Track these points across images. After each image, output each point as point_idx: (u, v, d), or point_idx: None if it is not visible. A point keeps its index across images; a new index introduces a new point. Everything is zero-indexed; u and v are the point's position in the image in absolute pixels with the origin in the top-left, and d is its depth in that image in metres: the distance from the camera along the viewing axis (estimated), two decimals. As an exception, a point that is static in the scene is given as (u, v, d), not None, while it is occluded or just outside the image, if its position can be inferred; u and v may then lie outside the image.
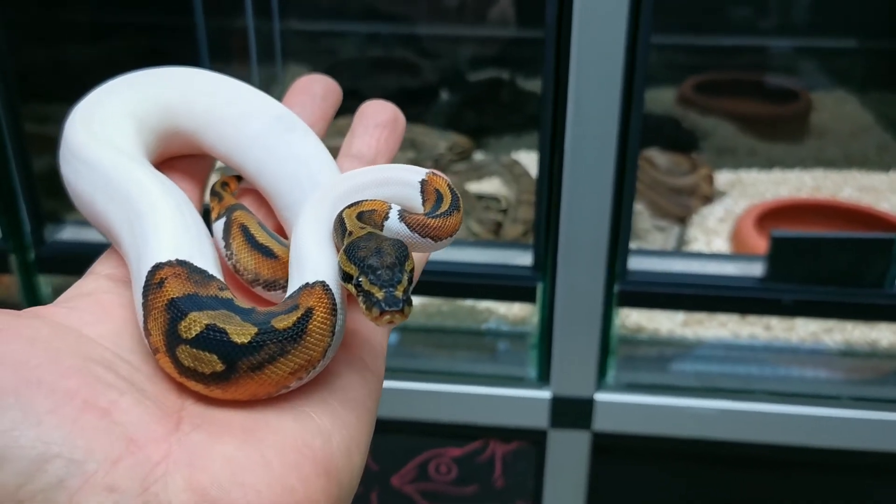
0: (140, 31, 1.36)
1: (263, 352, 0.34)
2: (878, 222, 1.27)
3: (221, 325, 0.34)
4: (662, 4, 0.88)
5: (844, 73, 1.58)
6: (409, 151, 1.43)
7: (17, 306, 1.08)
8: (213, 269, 0.39)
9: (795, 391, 1.06)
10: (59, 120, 0.47)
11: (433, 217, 0.40)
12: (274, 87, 1.46)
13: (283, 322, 0.35)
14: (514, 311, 1.14)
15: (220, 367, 0.34)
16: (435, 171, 0.43)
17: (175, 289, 0.36)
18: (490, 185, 1.42)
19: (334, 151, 0.49)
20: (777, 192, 1.42)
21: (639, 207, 1.31)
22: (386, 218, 0.40)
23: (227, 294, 0.37)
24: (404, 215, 0.40)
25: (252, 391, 0.35)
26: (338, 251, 0.39)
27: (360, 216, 0.39)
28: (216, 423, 0.34)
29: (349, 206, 0.40)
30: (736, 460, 1.09)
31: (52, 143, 0.47)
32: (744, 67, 1.60)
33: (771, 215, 1.28)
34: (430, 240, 0.40)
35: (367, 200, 0.41)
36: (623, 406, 1.04)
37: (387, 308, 0.34)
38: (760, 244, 1.17)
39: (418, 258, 0.47)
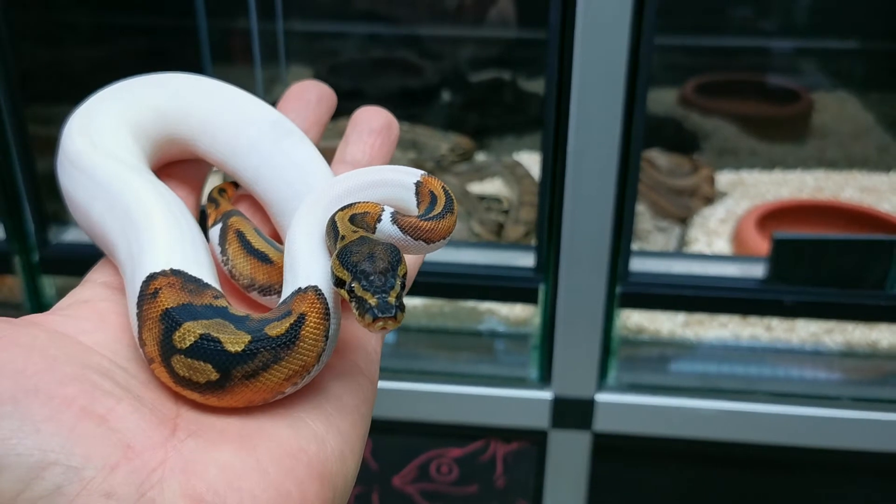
0: (143, 33, 1.36)
1: (257, 359, 0.34)
2: (879, 223, 1.27)
3: (215, 335, 0.35)
4: (663, 5, 0.88)
5: (845, 73, 1.58)
6: (410, 152, 1.43)
7: (20, 307, 1.09)
8: (209, 276, 0.39)
9: (796, 392, 1.06)
10: (62, 122, 0.48)
11: (426, 219, 0.40)
12: (276, 87, 1.47)
13: (276, 329, 0.35)
14: (515, 312, 1.15)
15: (214, 375, 0.34)
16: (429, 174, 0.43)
17: (169, 299, 0.36)
18: (492, 186, 1.42)
19: (333, 153, 0.50)
20: (778, 192, 1.42)
21: (640, 208, 1.31)
22: (379, 220, 0.40)
23: (221, 302, 0.37)
24: (397, 217, 0.40)
25: (247, 398, 0.35)
26: (331, 255, 0.38)
27: (352, 219, 0.39)
28: (212, 429, 0.34)
29: (342, 209, 0.40)
30: (736, 461, 1.09)
31: (55, 145, 0.48)
32: (745, 68, 1.60)
33: (772, 216, 1.28)
34: (422, 242, 0.40)
35: (359, 203, 0.41)
36: (624, 407, 1.04)
37: (380, 315, 0.34)
38: (762, 245, 1.17)
39: (413, 260, 0.47)
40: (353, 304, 0.35)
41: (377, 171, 0.43)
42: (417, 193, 0.41)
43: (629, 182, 0.94)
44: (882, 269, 0.98)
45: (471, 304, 1.16)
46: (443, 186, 0.42)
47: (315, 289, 0.37)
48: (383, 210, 0.40)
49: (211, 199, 0.49)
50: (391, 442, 1.11)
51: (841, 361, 1.12)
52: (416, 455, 1.11)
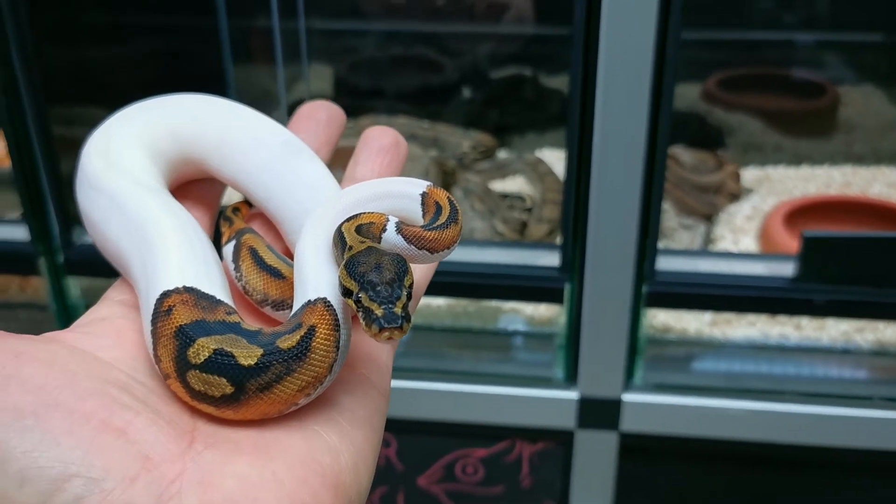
0: (163, 33, 1.36)
1: (270, 372, 0.35)
2: (909, 219, 1.25)
3: (228, 349, 0.35)
4: (687, -1, 0.86)
5: (871, 66, 1.56)
6: (431, 150, 1.42)
7: (46, 309, 1.09)
8: (221, 293, 0.40)
9: (826, 391, 1.05)
10: (84, 122, 0.48)
11: (430, 229, 0.40)
12: (298, 85, 1.46)
13: (287, 342, 0.36)
14: (539, 311, 1.14)
15: (229, 389, 0.35)
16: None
17: (183, 316, 0.37)
18: (514, 184, 1.41)
19: (352, 152, 0.50)
20: (805, 188, 1.40)
21: (664, 206, 1.29)
22: (384, 230, 0.40)
23: (234, 318, 0.38)
24: (401, 227, 0.40)
25: (262, 410, 0.36)
26: (338, 265, 0.39)
27: (358, 229, 0.40)
28: (228, 441, 0.35)
29: (347, 220, 0.41)
30: (765, 461, 1.08)
31: (78, 146, 0.48)
32: (769, 62, 1.58)
33: (800, 213, 1.26)
34: (426, 252, 0.40)
35: (365, 213, 0.41)
36: (651, 406, 1.03)
37: (385, 325, 0.34)
38: (790, 242, 1.15)
39: (423, 272, 0.47)
40: (361, 314, 0.36)
41: (383, 183, 0.44)
42: (423, 204, 0.42)
43: (655, 180, 0.93)
44: (915, 266, 0.96)
45: (494, 303, 1.15)
46: (448, 197, 0.42)
47: (324, 300, 0.38)
48: (388, 220, 0.40)
49: (225, 217, 0.50)
50: (416, 442, 1.10)
51: (872, 360, 1.10)
52: (442, 455, 1.10)
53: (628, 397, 1.03)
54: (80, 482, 0.30)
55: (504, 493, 1.12)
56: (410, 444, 1.10)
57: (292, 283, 0.42)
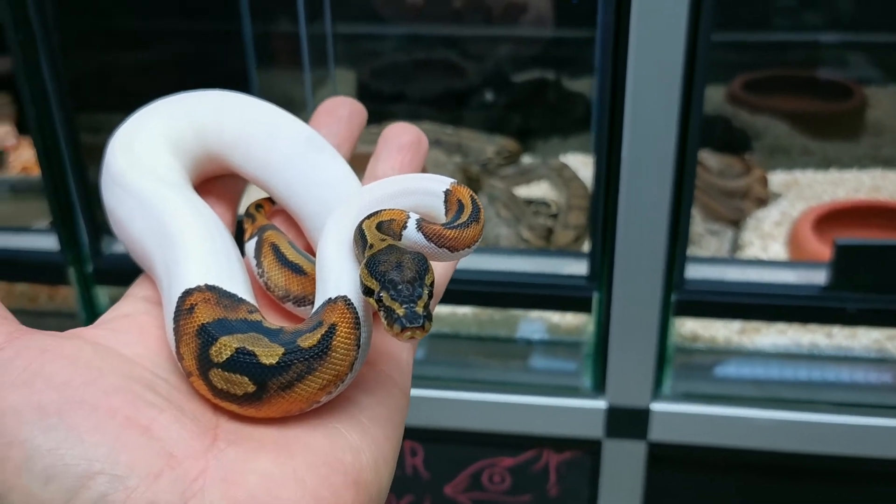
0: (188, 38, 1.36)
1: (292, 371, 0.35)
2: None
3: (250, 348, 0.35)
4: (713, 1, 0.85)
5: (900, 67, 1.54)
6: (456, 156, 1.42)
7: (76, 317, 1.10)
8: (243, 291, 0.40)
9: (858, 401, 1.03)
10: (110, 129, 0.49)
11: (451, 227, 0.40)
12: (323, 90, 1.46)
13: (308, 340, 0.36)
14: (566, 319, 1.13)
15: (251, 388, 0.35)
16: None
17: (205, 314, 0.37)
18: (539, 190, 1.40)
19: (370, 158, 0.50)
20: (835, 192, 1.39)
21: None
22: (404, 227, 0.40)
23: (256, 316, 0.39)
24: (422, 225, 0.40)
25: (284, 408, 0.36)
26: (359, 263, 0.39)
27: (379, 226, 0.40)
28: (250, 439, 0.35)
29: (368, 217, 0.40)
30: (795, 472, 1.07)
31: (103, 155, 0.49)
32: (794, 64, 1.55)
33: (829, 218, 1.24)
34: (446, 250, 0.40)
35: (385, 210, 0.41)
36: (680, 416, 1.02)
37: (407, 325, 0.35)
38: (820, 249, 1.14)
39: (443, 270, 0.47)
40: (382, 313, 0.36)
41: (406, 180, 0.43)
42: (446, 202, 0.42)
43: (685, 187, 0.92)
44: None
45: (520, 311, 1.14)
46: (471, 195, 0.42)
47: (345, 299, 0.38)
48: (409, 217, 0.40)
49: (248, 214, 0.50)
50: (443, 451, 1.10)
51: (905, 369, 1.08)
52: (469, 464, 1.10)
53: (657, 406, 1.02)
54: (105, 479, 0.30)
55: (531, 503, 1.12)
56: (437, 452, 1.10)
57: (314, 279, 0.42)
